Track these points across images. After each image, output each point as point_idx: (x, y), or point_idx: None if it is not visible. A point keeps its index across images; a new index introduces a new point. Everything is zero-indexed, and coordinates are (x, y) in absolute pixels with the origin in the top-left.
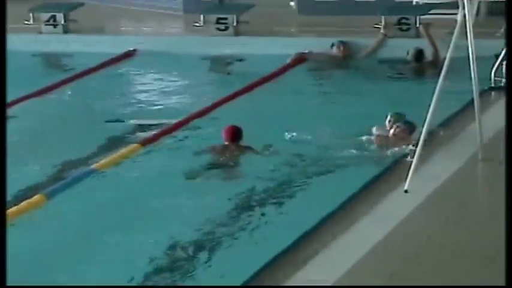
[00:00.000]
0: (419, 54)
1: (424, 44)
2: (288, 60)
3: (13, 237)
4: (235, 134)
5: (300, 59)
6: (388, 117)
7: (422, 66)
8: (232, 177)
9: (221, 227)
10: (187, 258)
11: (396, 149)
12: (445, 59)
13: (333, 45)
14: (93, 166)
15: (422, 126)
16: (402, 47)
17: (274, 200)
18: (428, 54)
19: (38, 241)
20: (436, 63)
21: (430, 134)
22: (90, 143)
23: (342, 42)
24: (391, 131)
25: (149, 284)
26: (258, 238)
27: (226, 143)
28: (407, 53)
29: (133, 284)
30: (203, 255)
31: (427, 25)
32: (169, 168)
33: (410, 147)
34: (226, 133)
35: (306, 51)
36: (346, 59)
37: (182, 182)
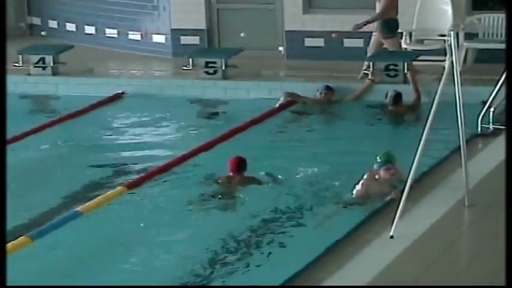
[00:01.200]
0: (396, 97)
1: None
2: (281, 99)
3: None
4: (239, 164)
5: (291, 97)
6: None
7: (404, 111)
8: (232, 207)
9: (214, 261)
10: None
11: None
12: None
13: (320, 89)
14: (78, 208)
15: (409, 172)
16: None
17: (266, 240)
18: (411, 99)
19: (23, 283)
20: (417, 110)
21: (416, 180)
22: (76, 186)
23: (327, 88)
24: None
25: None
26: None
27: (231, 173)
28: (386, 96)
29: None
30: None
31: (414, 71)
32: (155, 210)
33: (393, 194)
34: (230, 164)
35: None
36: (331, 103)
37: (172, 220)
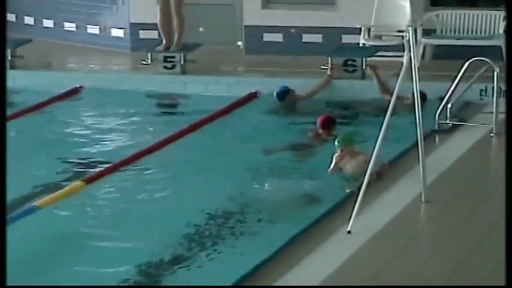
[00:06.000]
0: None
1: (371, 85)
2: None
3: None
4: (326, 121)
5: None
6: (336, 143)
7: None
8: None
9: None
10: None
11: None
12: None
13: (278, 95)
14: (35, 203)
15: (366, 168)
16: (348, 88)
17: (225, 232)
18: (377, 94)
19: None
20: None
21: (374, 174)
22: (33, 180)
23: (281, 93)
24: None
25: None
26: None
27: (320, 130)
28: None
29: None
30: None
31: (374, 66)
32: (113, 204)
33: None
34: (319, 121)
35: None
36: (294, 102)
37: (128, 213)
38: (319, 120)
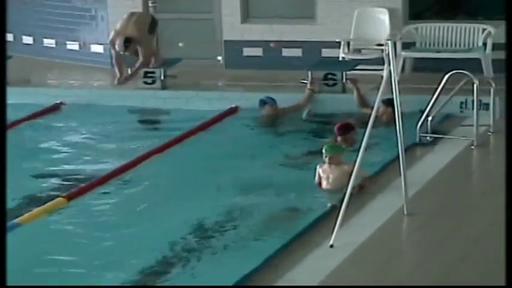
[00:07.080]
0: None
1: (352, 98)
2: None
3: None
4: (342, 128)
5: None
6: (324, 151)
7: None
8: None
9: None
10: None
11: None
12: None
13: (261, 103)
14: (16, 220)
15: (349, 180)
16: (329, 102)
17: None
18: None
19: None
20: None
21: (357, 187)
22: (14, 197)
23: (265, 102)
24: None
25: None
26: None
27: (338, 137)
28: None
29: None
30: None
31: (354, 80)
32: (95, 221)
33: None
34: (336, 128)
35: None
36: (276, 116)
37: (112, 228)
38: (336, 127)
